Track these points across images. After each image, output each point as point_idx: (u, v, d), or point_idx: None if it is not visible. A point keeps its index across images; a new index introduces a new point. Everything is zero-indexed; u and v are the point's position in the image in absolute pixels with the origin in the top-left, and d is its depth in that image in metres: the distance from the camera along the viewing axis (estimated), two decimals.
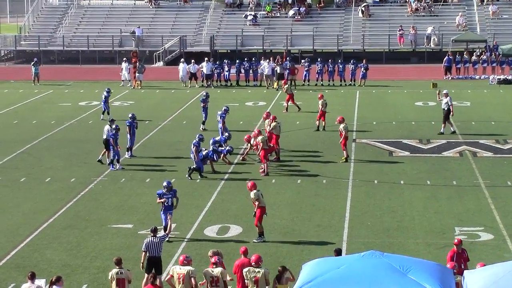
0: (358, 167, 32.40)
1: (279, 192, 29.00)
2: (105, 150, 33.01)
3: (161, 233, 23.40)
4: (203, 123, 39.56)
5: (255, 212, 23.93)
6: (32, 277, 17.95)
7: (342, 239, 24.06)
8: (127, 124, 34.23)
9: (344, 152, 33.15)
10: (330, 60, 55.08)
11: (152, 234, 20.53)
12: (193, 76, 54.26)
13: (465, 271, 16.34)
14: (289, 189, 29.50)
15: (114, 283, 18.51)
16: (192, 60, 56.09)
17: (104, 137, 33.03)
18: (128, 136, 34.15)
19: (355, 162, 33.06)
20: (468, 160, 33.59)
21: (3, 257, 22.80)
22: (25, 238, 24.41)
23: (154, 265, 20.24)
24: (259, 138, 31.88)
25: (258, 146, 31.80)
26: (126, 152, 34.07)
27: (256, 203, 23.87)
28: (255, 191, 24.11)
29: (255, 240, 23.70)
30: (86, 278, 21.20)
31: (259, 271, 18.20)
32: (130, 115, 35.05)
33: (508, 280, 15.10)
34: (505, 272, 15.41)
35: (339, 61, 56.30)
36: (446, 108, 38.24)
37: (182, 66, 54.94)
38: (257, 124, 39.61)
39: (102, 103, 43.02)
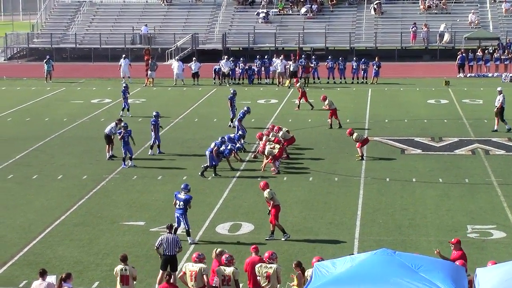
0: (370, 165, 32.36)
1: (291, 189, 28.98)
2: (107, 145, 33.46)
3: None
4: (231, 120, 39.61)
5: (270, 211, 23.93)
6: (43, 274, 17.93)
7: (354, 237, 24.04)
8: (152, 122, 34.28)
9: (359, 150, 33.14)
10: (341, 58, 55.01)
11: (168, 231, 20.59)
12: (195, 74, 54.15)
13: (477, 269, 16.32)
14: (301, 186, 29.49)
15: (118, 279, 18.55)
16: (194, 58, 56.12)
17: (107, 132, 33.34)
18: (153, 134, 34.20)
19: (367, 160, 33.01)
20: (481, 158, 33.50)
21: (16, 254, 22.87)
22: (38, 235, 24.47)
23: (169, 262, 20.25)
24: (267, 147, 31.68)
25: (266, 151, 31.57)
26: (151, 150, 34.25)
27: (271, 202, 23.85)
28: (268, 190, 24.08)
29: (282, 238, 23.68)
30: (98, 275, 21.23)
31: (271, 267, 18.21)
32: (154, 113, 35.04)
33: None
34: None
35: (354, 59, 56.13)
36: (498, 106, 38.10)
37: (177, 64, 54.84)
38: (269, 121, 39.65)
39: (123, 99, 43.24)
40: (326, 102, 39.07)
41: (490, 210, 26.57)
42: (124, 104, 43.02)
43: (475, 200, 27.58)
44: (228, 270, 18.13)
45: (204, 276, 18.15)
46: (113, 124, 33.73)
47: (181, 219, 23.54)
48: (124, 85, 44.14)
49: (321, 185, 29.70)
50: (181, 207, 23.56)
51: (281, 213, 24.64)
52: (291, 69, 53.28)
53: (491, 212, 26.31)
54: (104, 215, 26.38)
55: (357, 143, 33.16)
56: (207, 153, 30.97)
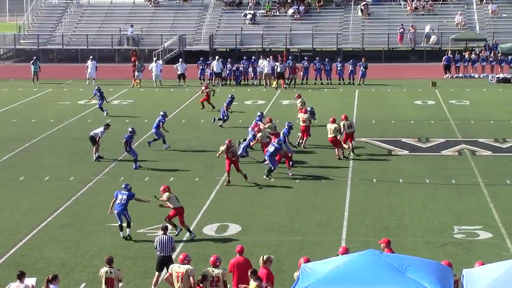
0: (357, 166, 32.40)
1: (278, 191, 28.98)
2: (93, 147, 33.60)
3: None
4: (224, 121, 39.80)
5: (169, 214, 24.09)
6: (21, 277, 17.73)
7: (341, 238, 24.06)
8: (162, 121, 34.81)
9: (345, 145, 33.39)
10: (327, 60, 55.03)
11: (162, 232, 20.61)
12: (181, 75, 54.09)
13: (464, 270, 16.37)
14: (288, 187, 29.49)
15: (103, 281, 18.49)
16: (180, 59, 56.06)
17: (92, 135, 33.49)
18: (155, 130, 34.88)
19: (354, 161, 33.06)
20: (467, 158, 33.59)
21: (2, 256, 22.78)
22: (24, 236, 24.39)
23: (164, 263, 20.22)
24: (259, 135, 32.25)
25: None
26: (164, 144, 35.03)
27: (168, 203, 24.03)
28: (167, 194, 24.12)
29: (175, 232, 23.81)
30: (84, 276, 21.18)
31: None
32: (162, 113, 35.42)
33: (507, 279, 15.14)
34: (503, 270, 15.44)
35: (338, 60, 56.32)
36: None
37: (154, 65, 54.72)
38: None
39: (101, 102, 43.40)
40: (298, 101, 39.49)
41: (476, 210, 26.63)
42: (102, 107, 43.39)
43: (461, 201, 27.65)
44: (217, 271, 18.10)
45: (191, 278, 18.11)
46: (101, 129, 33.66)
47: (122, 214, 23.94)
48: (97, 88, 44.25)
49: (308, 186, 29.71)
50: (123, 202, 23.98)
51: (269, 214, 24.69)
52: (278, 70, 53.29)
53: (477, 213, 26.37)
54: (91, 216, 26.32)
55: (343, 137, 33.39)
56: (269, 157, 30.79)
